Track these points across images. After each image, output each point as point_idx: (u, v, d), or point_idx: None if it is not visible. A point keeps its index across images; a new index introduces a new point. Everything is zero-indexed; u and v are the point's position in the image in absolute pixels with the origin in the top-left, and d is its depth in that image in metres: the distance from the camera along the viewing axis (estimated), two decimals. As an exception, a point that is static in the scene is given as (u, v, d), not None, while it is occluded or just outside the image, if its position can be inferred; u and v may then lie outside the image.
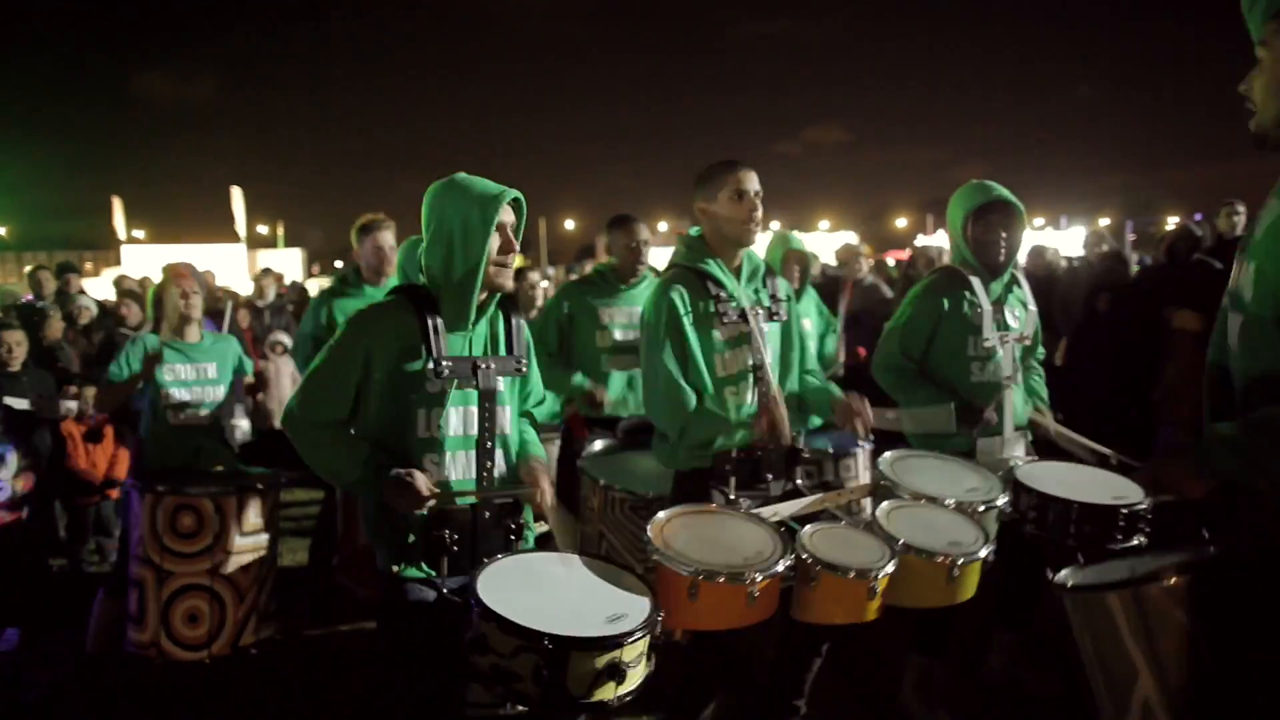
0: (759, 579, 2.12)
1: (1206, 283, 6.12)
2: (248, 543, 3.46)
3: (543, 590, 2.01)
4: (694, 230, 2.89)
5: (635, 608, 1.95)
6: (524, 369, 2.33)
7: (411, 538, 2.16)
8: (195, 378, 3.78)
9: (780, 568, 2.18)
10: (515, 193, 2.23)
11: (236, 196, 43.16)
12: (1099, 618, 1.95)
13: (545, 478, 2.28)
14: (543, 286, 5.02)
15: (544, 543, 2.43)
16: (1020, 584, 3.35)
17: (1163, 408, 6.23)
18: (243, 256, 44.60)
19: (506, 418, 2.31)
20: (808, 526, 2.40)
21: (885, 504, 2.55)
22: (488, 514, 2.20)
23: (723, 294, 2.75)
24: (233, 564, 3.45)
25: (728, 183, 2.71)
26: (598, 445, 3.70)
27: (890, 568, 2.26)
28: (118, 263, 41.39)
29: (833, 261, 12.43)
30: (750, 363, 2.75)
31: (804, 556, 2.24)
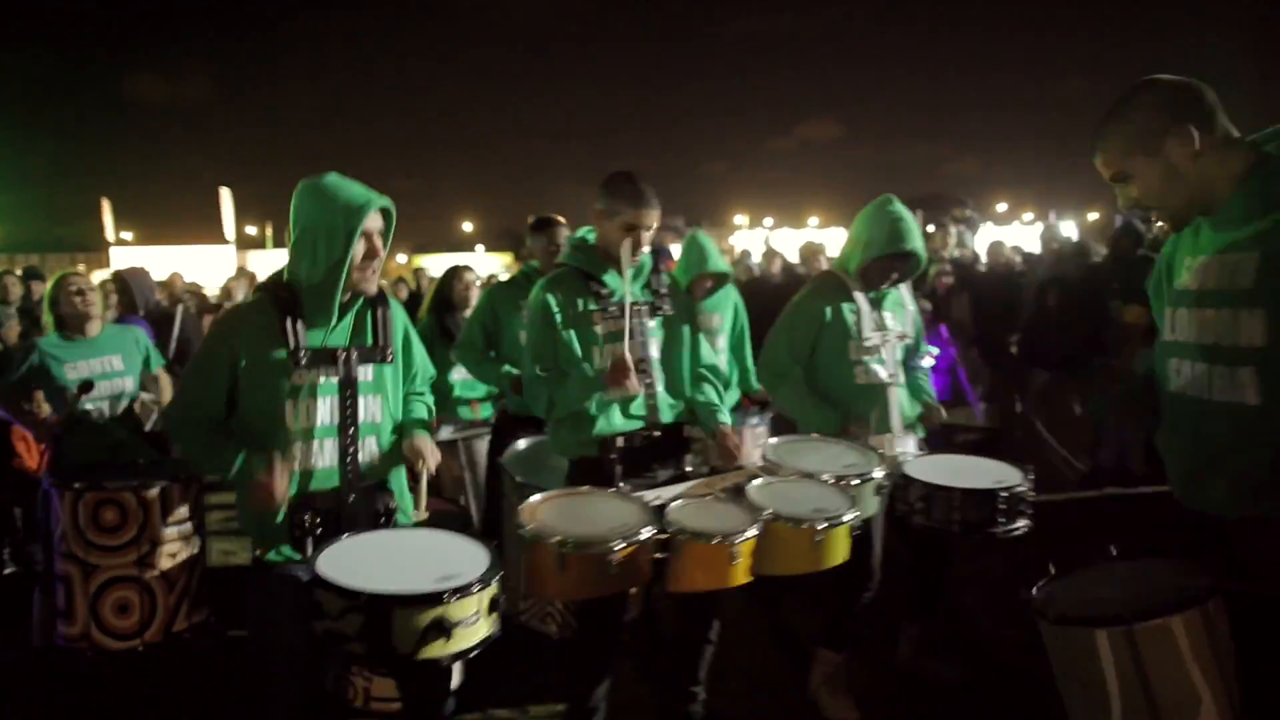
0: (620, 545, 2.21)
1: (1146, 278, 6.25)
2: (174, 532, 3.50)
3: (384, 559, 2.10)
4: (585, 231, 2.96)
5: (469, 569, 2.03)
6: (389, 358, 2.41)
7: (272, 522, 2.25)
8: (101, 371, 3.85)
9: (643, 536, 2.26)
10: (383, 202, 2.31)
11: (225, 198, 43.26)
12: (1081, 652, 1.82)
13: (428, 452, 2.37)
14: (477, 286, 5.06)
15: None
16: (925, 578, 3.45)
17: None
18: (232, 258, 44.69)
19: (376, 406, 2.39)
20: (677, 501, 2.49)
21: (757, 480, 2.64)
22: (353, 497, 2.29)
23: (604, 290, 2.84)
24: (161, 554, 3.49)
25: (624, 213, 2.77)
26: (521, 444, 3.76)
27: (752, 532, 2.34)
28: (108, 265, 41.39)
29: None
30: (637, 354, 2.82)
31: (669, 526, 2.33)
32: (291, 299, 2.29)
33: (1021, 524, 2.85)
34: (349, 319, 2.36)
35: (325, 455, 2.29)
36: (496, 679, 3.29)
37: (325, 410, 2.29)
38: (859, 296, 3.25)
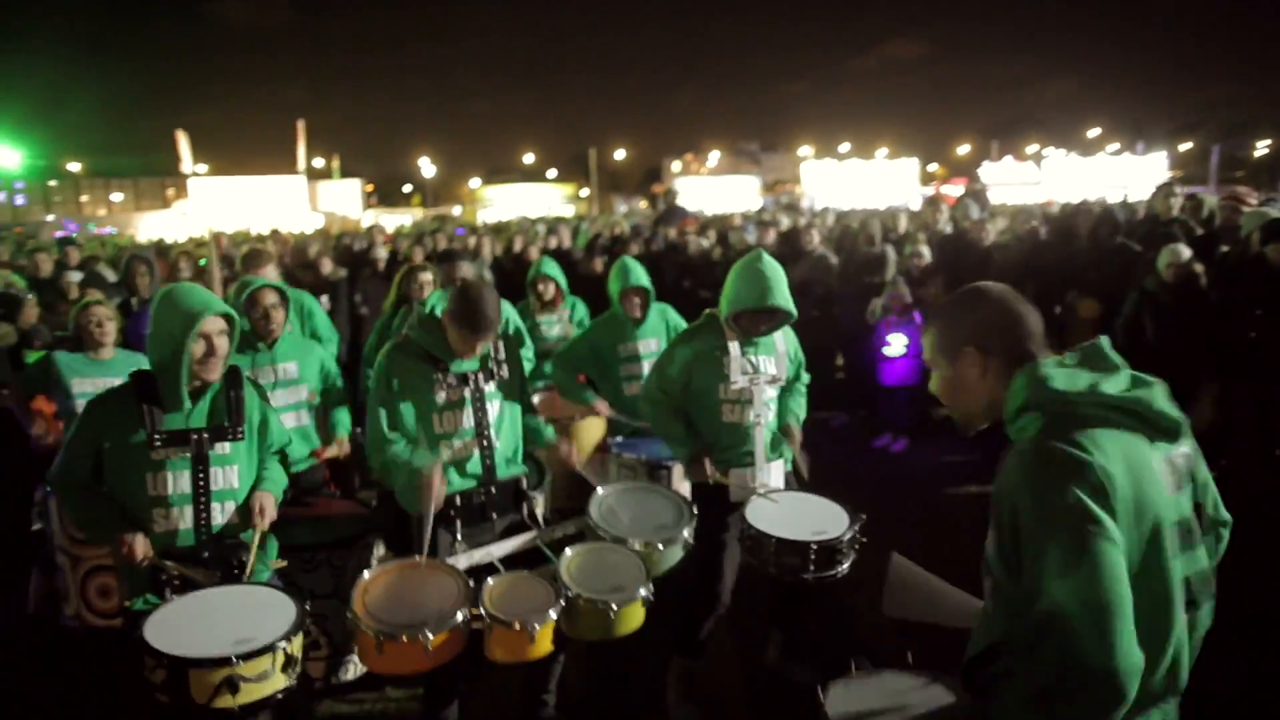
0: (430, 636, 2.52)
1: (1122, 268, 6.18)
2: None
3: (204, 617, 2.47)
4: (433, 303, 3.25)
5: (267, 633, 2.39)
6: (240, 435, 2.76)
7: (140, 575, 2.66)
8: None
9: (454, 622, 2.58)
10: (218, 309, 2.67)
11: (300, 130, 44.37)
12: None
13: (265, 510, 2.74)
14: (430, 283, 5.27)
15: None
16: (786, 590, 3.73)
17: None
18: (303, 189, 45.90)
19: (233, 475, 2.75)
20: (490, 580, 2.79)
21: (569, 550, 2.94)
22: (206, 554, 2.69)
23: (442, 365, 3.11)
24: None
25: (464, 334, 3.03)
26: None
27: (551, 616, 2.66)
28: (185, 195, 42.87)
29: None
30: (468, 423, 3.12)
31: (480, 611, 2.65)
32: (150, 388, 2.67)
33: (839, 569, 3.10)
34: (205, 401, 2.72)
35: (184, 519, 2.68)
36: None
37: (182, 482, 2.67)
38: (730, 343, 3.45)
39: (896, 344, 7.11)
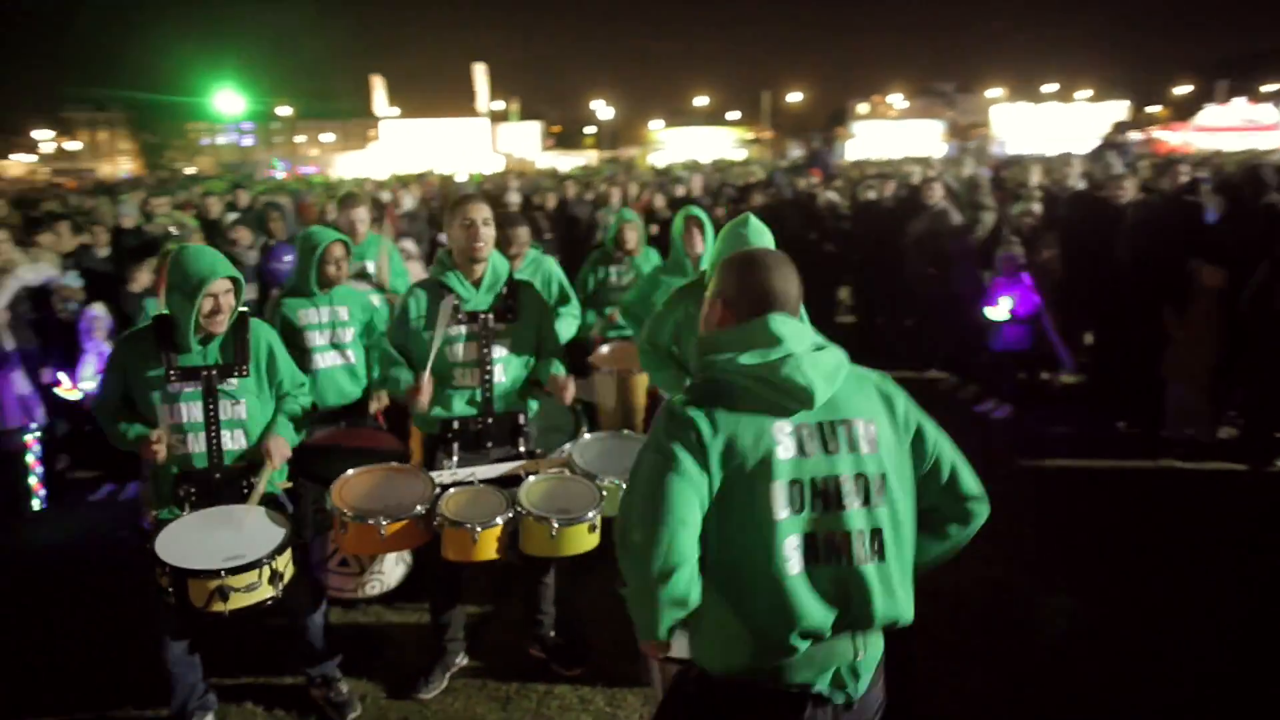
0: (385, 523, 2.96)
1: (1264, 232, 5.57)
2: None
3: (206, 533, 2.89)
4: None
5: (257, 549, 2.79)
6: (245, 373, 3.12)
7: (166, 489, 3.11)
8: None
9: (409, 515, 2.99)
10: (224, 273, 3.01)
11: (480, 73, 46.22)
12: None
13: (276, 452, 3.12)
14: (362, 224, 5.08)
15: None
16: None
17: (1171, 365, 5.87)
18: (486, 131, 47.83)
19: (241, 408, 3.12)
20: (450, 491, 3.14)
21: (534, 477, 3.22)
22: (218, 475, 3.10)
23: (457, 300, 3.37)
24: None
25: (458, 215, 3.32)
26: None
27: (497, 522, 2.98)
28: (376, 138, 45.74)
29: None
30: (477, 355, 3.38)
31: (435, 512, 3.03)
32: (169, 330, 3.07)
33: None
34: (216, 342, 3.10)
35: (198, 444, 3.08)
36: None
37: (195, 411, 3.08)
38: None
39: (1002, 307, 6.75)
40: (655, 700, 2.45)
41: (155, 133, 74.67)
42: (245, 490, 3.10)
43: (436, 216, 10.27)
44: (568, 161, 40.19)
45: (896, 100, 61.89)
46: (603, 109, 54.71)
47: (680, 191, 10.68)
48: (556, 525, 2.95)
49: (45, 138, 68.60)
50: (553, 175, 20.75)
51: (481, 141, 46.03)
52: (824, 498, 1.75)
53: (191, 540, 2.84)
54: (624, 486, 3.02)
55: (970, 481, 1.94)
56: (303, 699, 3.44)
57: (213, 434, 3.09)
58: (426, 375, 3.26)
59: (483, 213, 3.33)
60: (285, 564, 2.85)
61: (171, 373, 3.05)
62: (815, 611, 1.72)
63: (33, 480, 5.54)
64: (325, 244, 4.15)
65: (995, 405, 7.03)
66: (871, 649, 1.83)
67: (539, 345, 3.56)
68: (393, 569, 4.23)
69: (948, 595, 3.95)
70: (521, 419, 3.50)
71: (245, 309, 3.23)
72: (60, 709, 3.49)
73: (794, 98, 51.59)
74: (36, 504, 5.54)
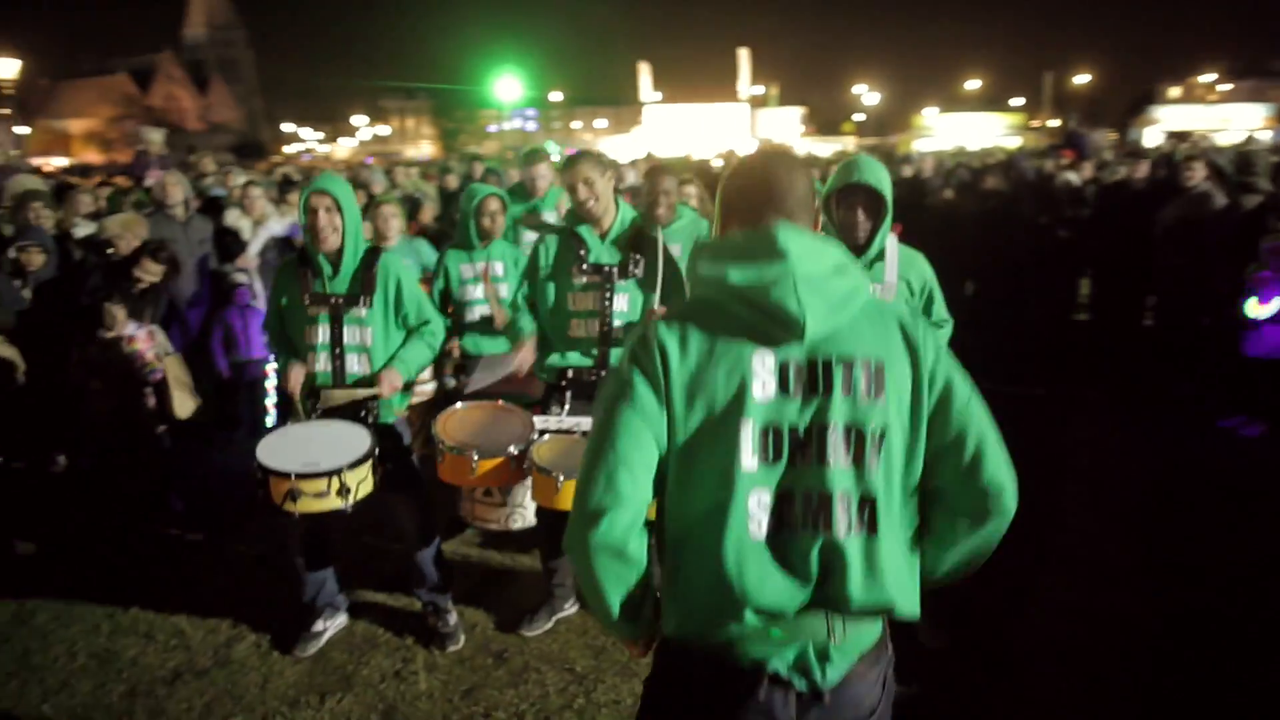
0: (477, 458, 3.14)
1: None
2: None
3: (303, 442, 3.15)
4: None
5: (330, 461, 3.01)
6: (368, 303, 3.34)
7: (299, 403, 3.44)
8: None
9: (500, 454, 3.17)
10: (320, 187, 3.28)
11: (743, 58, 46.38)
12: None
13: (386, 382, 3.34)
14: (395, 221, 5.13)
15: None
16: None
17: None
18: (745, 116, 47.98)
19: (366, 334, 3.36)
20: (546, 437, 3.25)
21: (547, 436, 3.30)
22: (339, 394, 3.37)
23: (583, 251, 3.42)
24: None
25: (568, 177, 3.38)
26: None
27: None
28: (639, 122, 47.31)
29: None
30: (594, 305, 3.41)
31: (527, 456, 3.18)
32: (307, 258, 3.40)
33: None
34: (346, 273, 3.36)
35: (324, 363, 3.38)
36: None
37: (324, 334, 3.36)
38: None
39: (1268, 305, 5.71)
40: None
41: (451, 119, 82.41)
42: (362, 414, 3.35)
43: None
44: (826, 148, 39.18)
45: (1211, 81, 54.00)
46: (867, 95, 52.82)
47: (907, 172, 10.08)
48: (562, 478, 2.97)
49: (363, 123, 78.03)
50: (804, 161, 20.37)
51: (740, 126, 46.17)
52: (804, 449, 1.45)
53: (288, 446, 3.13)
54: None
55: (998, 469, 1.53)
56: (424, 624, 3.68)
57: (336, 355, 3.36)
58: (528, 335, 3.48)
59: (584, 174, 3.35)
60: (358, 481, 3.04)
61: (306, 296, 3.37)
62: (777, 584, 1.44)
63: (269, 402, 6.38)
64: (480, 198, 4.37)
65: (1246, 421, 5.99)
66: (855, 635, 1.51)
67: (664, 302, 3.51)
68: (533, 505, 4.38)
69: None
70: None
71: (376, 247, 3.49)
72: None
73: (1081, 79, 46.55)
74: (269, 422, 6.37)
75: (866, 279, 1.59)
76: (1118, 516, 4.58)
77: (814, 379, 1.47)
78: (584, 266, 3.42)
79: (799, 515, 1.46)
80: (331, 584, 3.63)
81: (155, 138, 11.13)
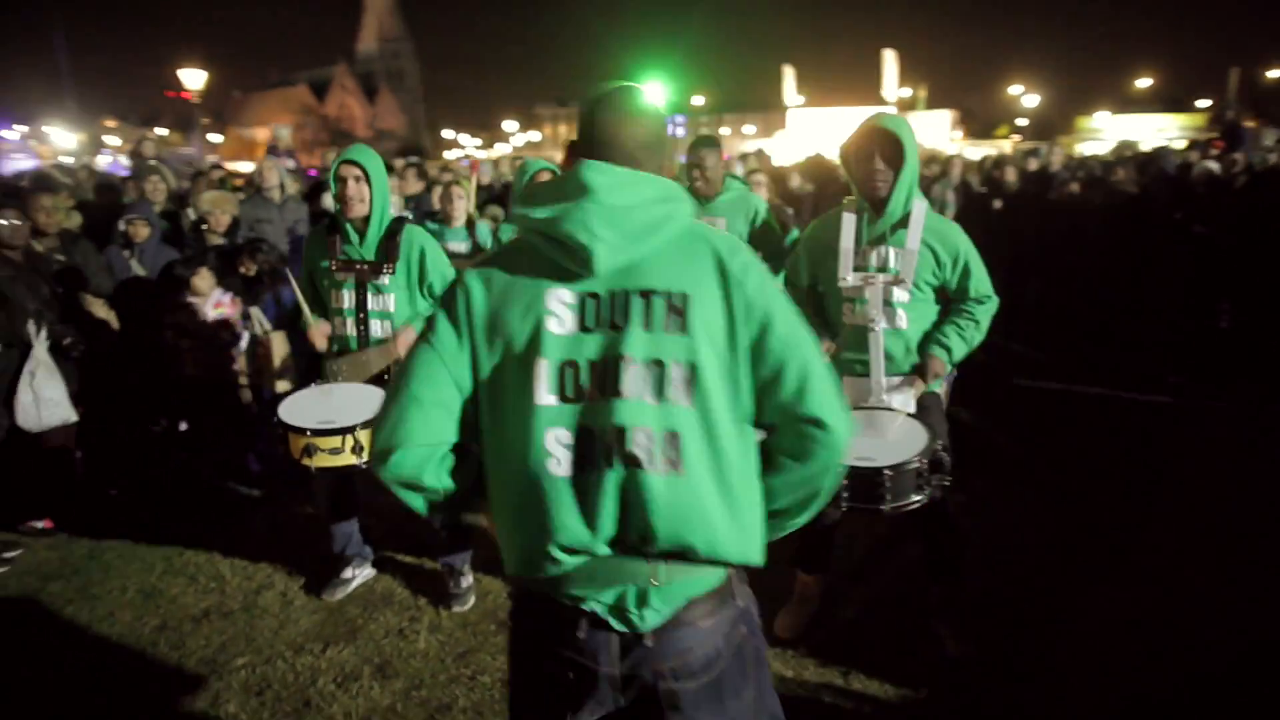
0: None
1: None
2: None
3: (324, 401, 3.22)
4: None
5: (345, 419, 3.05)
6: (391, 271, 3.41)
7: (327, 369, 3.54)
8: None
9: None
10: (350, 158, 3.36)
11: (889, 60, 44.74)
12: None
13: (402, 340, 3.40)
14: (460, 203, 5.39)
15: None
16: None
17: None
18: (892, 119, 46.20)
19: (389, 300, 3.43)
20: None
21: None
22: (364, 358, 3.44)
23: None
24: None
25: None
26: None
27: None
28: (783, 126, 46.82)
29: None
30: None
31: None
32: (335, 225, 3.49)
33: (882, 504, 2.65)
34: (373, 241, 3.43)
35: (350, 328, 3.47)
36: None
37: (349, 299, 3.45)
38: (847, 226, 3.05)
39: None
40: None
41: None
42: (385, 376, 3.43)
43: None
44: (977, 151, 37.36)
45: None
46: (1026, 96, 49.94)
47: (1032, 165, 9.46)
48: None
49: (514, 129, 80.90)
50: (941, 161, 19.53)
51: (888, 130, 44.63)
52: (601, 384, 1.41)
53: (309, 405, 3.23)
54: None
55: (822, 402, 1.45)
56: (439, 585, 3.73)
57: (361, 320, 3.46)
58: None
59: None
60: (361, 440, 3.09)
61: (334, 263, 3.47)
62: (576, 523, 1.41)
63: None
64: (532, 171, 4.41)
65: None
66: (681, 580, 1.44)
67: None
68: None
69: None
70: None
71: (403, 215, 3.58)
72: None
73: (1276, 74, 42.03)
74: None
75: (685, 210, 1.51)
76: (1208, 534, 4.08)
77: (612, 313, 1.44)
78: None
79: (598, 452, 1.40)
80: (358, 536, 3.75)
81: (283, 134, 12.04)
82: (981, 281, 3.03)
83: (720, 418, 1.43)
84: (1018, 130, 46.89)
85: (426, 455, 1.49)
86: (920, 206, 2.99)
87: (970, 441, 5.34)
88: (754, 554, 1.49)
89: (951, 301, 3.09)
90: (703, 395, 1.42)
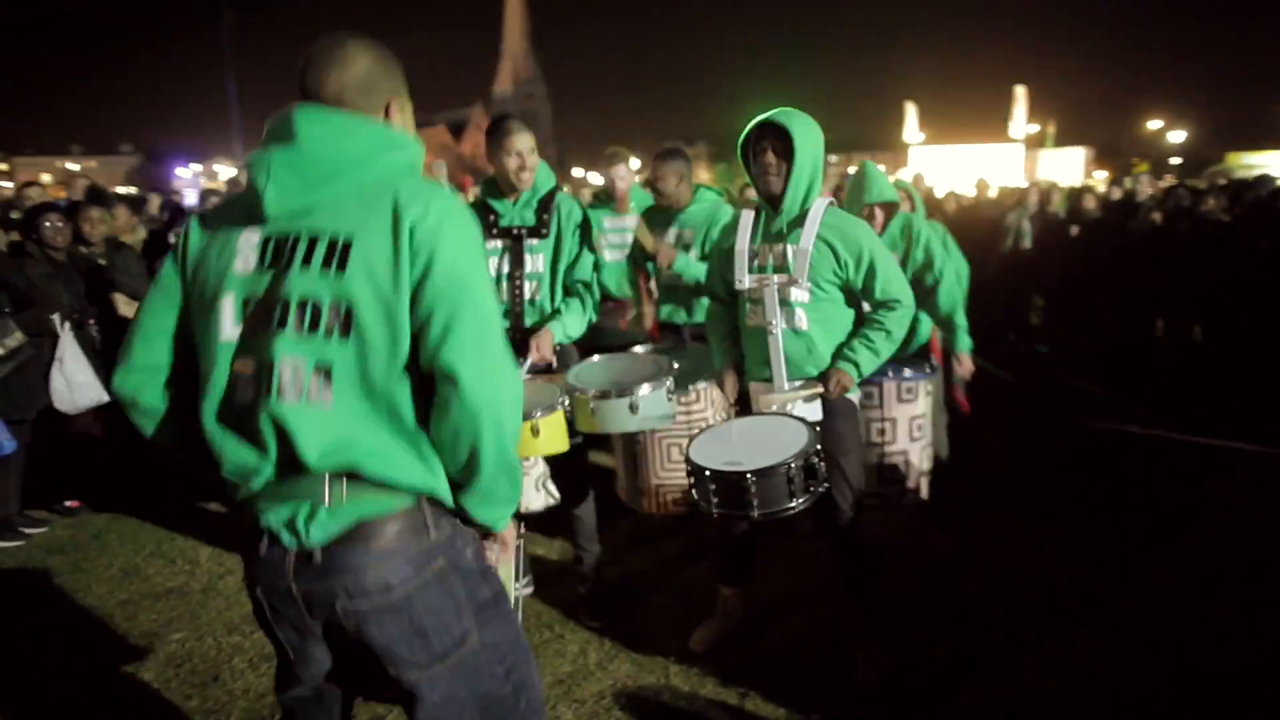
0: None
1: None
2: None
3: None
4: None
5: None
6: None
7: None
8: None
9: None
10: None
11: (1020, 96, 43.13)
12: None
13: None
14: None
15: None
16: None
17: None
18: (1019, 156, 44.68)
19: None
20: None
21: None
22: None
23: (492, 218, 3.38)
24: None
25: (501, 145, 3.27)
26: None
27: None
28: (905, 164, 45.84)
29: None
30: (507, 270, 3.37)
31: None
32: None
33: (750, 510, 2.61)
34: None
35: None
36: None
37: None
38: (744, 226, 3.00)
39: None
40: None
41: (728, 162, 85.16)
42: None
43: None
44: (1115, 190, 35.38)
45: None
46: (1172, 132, 47.00)
47: (1115, 194, 8.91)
48: (539, 414, 2.90)
49: (636, 167, 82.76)
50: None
51: (1013, 166, 43.04)
52: (266, 319, 1.49)
53: None
54: (563, 403, 3.00)
55: (459, 356, 1.44)
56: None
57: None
58: None
59: (526, 144, 3.29)
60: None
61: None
62: (238, 447, 1.52)
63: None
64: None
65: None
66: (355, 501, 1.49)
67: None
68: (533, 495, 4.37)
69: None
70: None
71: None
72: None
73: None
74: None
75: (393, 159, 1.54)
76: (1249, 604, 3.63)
77: (281, 253, 1.51)
78: (494, 231, 3.40)
79: (261, 382, 1.50)
80: None
81: (441, 168, 12.63)
82: (890, 284, 2.88)
83: (378, 355, 1.47)
84: (1165, 168, 44.19)
85: (145, 378, 1.64)
86: (820, 204, 2.88)
87: (1006, 477, 5.04)
88: (432, 485, 1.52)
89: (867, 307, 2.96)
90: (359, 333, 1.47)
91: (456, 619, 1.56)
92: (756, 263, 2.95)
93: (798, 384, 2.93)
